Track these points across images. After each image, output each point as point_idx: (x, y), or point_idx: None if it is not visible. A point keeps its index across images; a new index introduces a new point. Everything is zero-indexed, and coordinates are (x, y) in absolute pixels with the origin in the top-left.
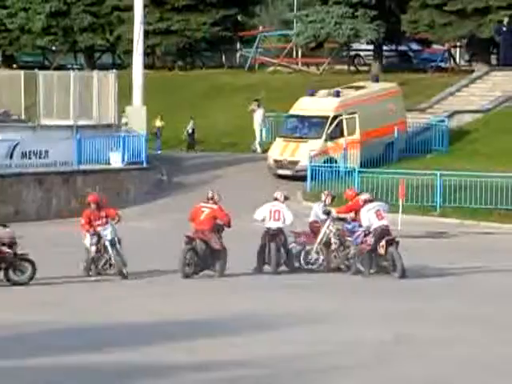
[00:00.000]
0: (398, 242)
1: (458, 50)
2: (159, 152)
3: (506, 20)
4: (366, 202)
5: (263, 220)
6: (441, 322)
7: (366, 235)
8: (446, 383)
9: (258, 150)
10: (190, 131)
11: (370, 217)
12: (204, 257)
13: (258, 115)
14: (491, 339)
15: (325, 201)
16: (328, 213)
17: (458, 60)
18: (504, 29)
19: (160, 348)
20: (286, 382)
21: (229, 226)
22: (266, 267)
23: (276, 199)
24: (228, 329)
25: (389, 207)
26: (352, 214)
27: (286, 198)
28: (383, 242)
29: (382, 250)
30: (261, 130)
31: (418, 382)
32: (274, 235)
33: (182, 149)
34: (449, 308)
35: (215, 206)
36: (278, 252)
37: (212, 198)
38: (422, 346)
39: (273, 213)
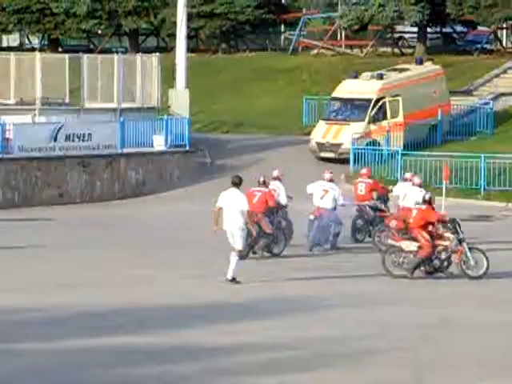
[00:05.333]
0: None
1: (504, 31)
2: None
3: None
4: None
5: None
6: (488, 306)
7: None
8: (487, 368)
9: None
10: None
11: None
12: (256, 238)
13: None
14: None
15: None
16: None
17: (504, 42)
18: None
19: (196, 331)
20: (321, 363)
21: (280, 208)
22: None
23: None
24: (262, 312)
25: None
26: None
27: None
28: None
29: None
30: None
31: (455, 365)
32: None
33: None
34: (497, 292)
35: (266, 190)
36: None
37: (264, 183)
38: (464, 330)
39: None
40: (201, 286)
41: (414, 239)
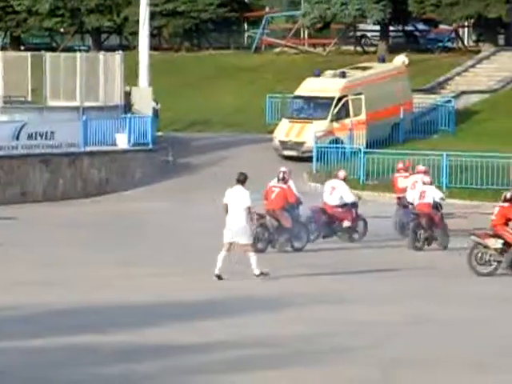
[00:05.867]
0: None
1: (465, 30)
2: None
3: None
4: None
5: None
6: (459, 303)
7: None
8: (452, 363)
9: None
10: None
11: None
12: (275, 233)
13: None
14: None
15: None
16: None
17: (465, 40)
18: None
19: (164, 329)
20: (289, 361)
21: (298, 203)
22: None
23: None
24: (235, 309)
25: None
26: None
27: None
28: None
29: None
30: None
31: (423, 362)
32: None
33: None
34: (461, 288)
35: (285, 186)
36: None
37: (283, 179)
38: (433, 327)
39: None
40: (169, 284)
41: (499, 236)
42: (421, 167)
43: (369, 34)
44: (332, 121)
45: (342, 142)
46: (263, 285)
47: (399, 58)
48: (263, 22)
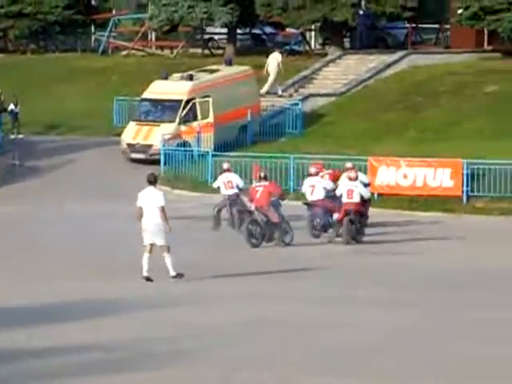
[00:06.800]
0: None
1: (312, 33)
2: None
3: (363, 4)
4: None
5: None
6: (307, 304)
7: None
8: (295, 364)
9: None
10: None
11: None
12: (265, 227)
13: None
14: (363, 323)
15: None
16: None
17: (312, 44)
18: (361, 12)
19: (12, 333)
20: (129, 365)
21: (283, 199)
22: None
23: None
24: (79, 313)
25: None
26: None
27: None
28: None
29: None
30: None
31: (266, 363)
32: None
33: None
34: (308, 290)
35: (267, 183)
36: (351, 225)
37: (265, 177)
38: (281, 328)
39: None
40: (24, 288)
41: None
42: (348, 164)
43: (216, 37)
44: (180, 123)
45: (190, 145)
46: (132, 287)
47: (274, 54)
48: (110, 24)
